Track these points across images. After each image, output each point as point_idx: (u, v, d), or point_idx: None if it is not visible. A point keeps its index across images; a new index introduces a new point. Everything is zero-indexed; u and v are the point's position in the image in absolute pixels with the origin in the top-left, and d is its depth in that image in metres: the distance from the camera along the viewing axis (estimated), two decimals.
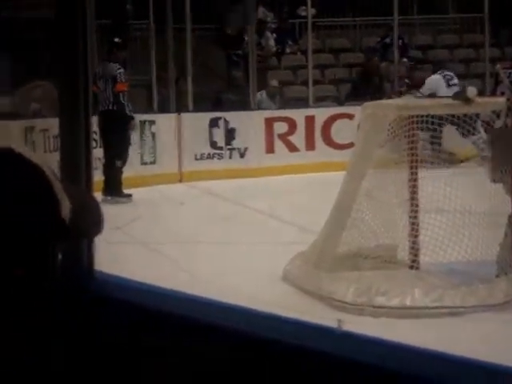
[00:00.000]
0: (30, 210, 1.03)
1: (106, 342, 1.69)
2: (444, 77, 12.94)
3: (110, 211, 9.40)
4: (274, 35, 15.58)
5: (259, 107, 13.17)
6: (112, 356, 1.66)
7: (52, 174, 1.06)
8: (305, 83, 14.14)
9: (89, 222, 1.17)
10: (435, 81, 12.91)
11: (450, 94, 12.25)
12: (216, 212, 9.61)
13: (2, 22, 11.96)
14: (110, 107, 10.30)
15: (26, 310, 1.05)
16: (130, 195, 10.27)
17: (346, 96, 14.40)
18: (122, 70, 10.47)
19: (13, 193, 1.02)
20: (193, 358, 1.53)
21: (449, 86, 12.80)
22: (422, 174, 6.42)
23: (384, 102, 7.73)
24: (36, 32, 12.06)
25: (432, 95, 12.62)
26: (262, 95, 13.45)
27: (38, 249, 1.03)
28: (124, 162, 10.33)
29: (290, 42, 15.64)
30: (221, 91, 14.07)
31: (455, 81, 12.94)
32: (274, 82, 13.81)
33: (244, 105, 13.35)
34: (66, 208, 1.06)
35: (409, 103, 7.10)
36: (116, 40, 11.05)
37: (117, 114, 10.26)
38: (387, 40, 14.85)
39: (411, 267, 6.28)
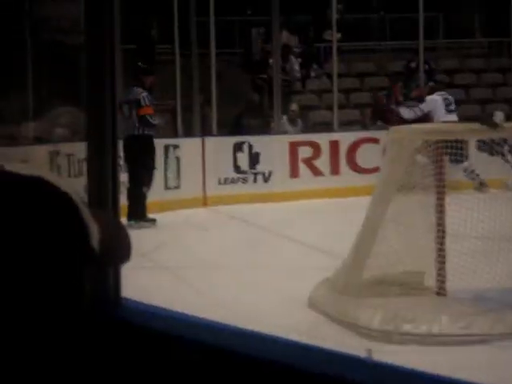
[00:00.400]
0: (59, 239, 1.02)
1: (129, 369, 1.67)
2: (444, 100, 12.90)
3: (134, 236, 9.39)
4: (300, 60, 15.62)
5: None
6: (136, 382, 1.64)
7: (81, 202, 1.05)
8: (329, 107, 14.14)
9: (118, 251, 1.16)
10: (435, 101, 12.92)
11: (447, 119, 12.32)
12: (240, 237, 9.59)
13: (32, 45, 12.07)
14: (135, 132, 10.34)
15: (56, 340, 1.03)
16: (154, 220, 10.28)
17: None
18: (145, 94, 10.50)
19: (41, 222, 1.01)
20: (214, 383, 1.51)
21: (447, 110, 12.75)
22: (449, 199, 6.36)
23: (410, 126, 7.69)
24: (64, 57, 12.19)
25: (428, 114, 12.67)
26: (282, 120, 13.47)
27: (68, 278, 1.02)
28: (149, 187, 10.36)
29: (315, 66, 15.67)
30: (242, 116, 14.09)
31: (453, 107, 12.89)
32: (294, 107, 13.82)
33: (265, 129, 13.38)
34: (94, 236, 1.05)
35: (435, 128, 7.05)
36: (141, 65, 11.11)
37: (141, 138, 10.30)
38: (412, 64, 14.84)
39: (438, 294, 6.21)
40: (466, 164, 11.76)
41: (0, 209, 0.99)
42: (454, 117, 12.61)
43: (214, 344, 1.56)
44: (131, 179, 10.26)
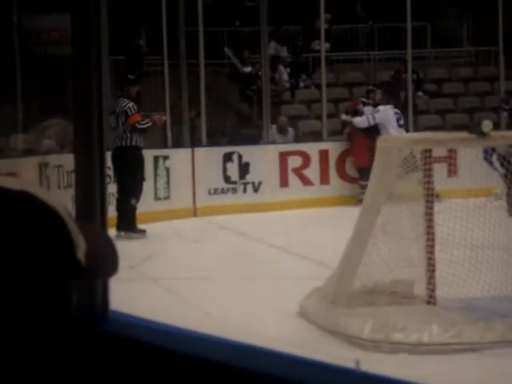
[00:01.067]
0: (44, 252, 1.02)
1: (117, 382, 1.66)
2: (395, 114, 12.78)
3: (123, 247, 9.38)
4: (288, 70, 15.64)
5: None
6: None
7: (67, 215, 1.06)
8: (319, 117, 14.16)
9: (105, 263, 1.16)
10: (389, 115, 12.65)
11: (398, 133, 12.09)
12: (230, 247, 9.58)
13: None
14: (123, 143, 10.32)
15: (43, 353, 1.03)
16: (143, 231, 10.26)
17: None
18: (131, 104, 10.49)
19: (27, 236, 1.02)
20: None
21: (398, 125, 12.63)
22: (439, 207, 6.37)
23: (399, 135, 7.71)
24: (51, 68, 12.18)
25: (379, 126, 12.39)
26: (271, 129, 13.46)
27: (54, 290, 1.02)
28: (138, 198, 10.34)
29: (303, 77, 15.70)
30: (232, 126, 14.10)
31: (402, 122, 12.80)
32: (283, 119, 13.80)
33: (255, 139, 13.38)
34: (81, 249, 1.06)
35: (424, 137, 7.07)
36: (129, 77, 11.11)
37: (130, 150, 10.28)
38: (403, 76, 14.84)
39: (428, 302, 6.22)
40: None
41: None
42: (403, 132, 12.46)
43: (205, 357, 1.55)
44: (120, 190, 10.25)
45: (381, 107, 12.79)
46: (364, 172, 12.05)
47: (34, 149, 11.20)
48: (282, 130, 13.58)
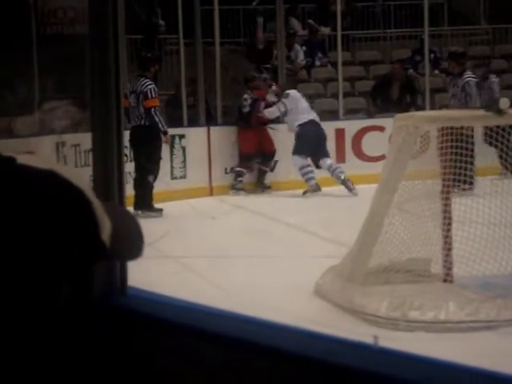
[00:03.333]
0: (70, 232, 1.01)
1: (135, 358, 1.68)
2: (302, 96, 12.28)
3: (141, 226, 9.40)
4: (304, 48, 15.58)
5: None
6: (141, 370, 1.65)
7: (93, 195, 1.05)
8: (335, 96, 14.11)
9: (130, 245, 1.15)
10: (297, 97, 12.09)
11: (311, 116, 11.63)
12: (246, 226, 9.60)
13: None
14: (142, 123, 10.34)
15: (64, 333, 1.04)
16: (160, 210, 10.29)
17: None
18: (152, 86, 10.49)
19: (53, 216, 1.01)
20: (222, 372, 1.52)
21: (310, 107, 12.11)
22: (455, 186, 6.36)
23: (416, 113, 7.68)
24: (67, 47, 12.18)
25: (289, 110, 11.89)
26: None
27: (78, 272, 1.03)
28: (155, 177, 10.36)
29: (319, 55, 15.63)
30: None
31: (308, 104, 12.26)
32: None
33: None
34: (106, 230, 1.05)
35: (440, 115, 7.04)
36: (148, 55, 11.10)
37: (148, 129, 10.30)
38: (417, 58, 14.75)
39: (445, 281, 6.22)
40: (328, 162, 11.75)
41: (13, 203, 1.00)
42: (314, 114, 12.16)
43: (222, 332, 1.56)
44: (137, 169, 10.27)
45: (290, 92, 12.26)
46: (245, 159, 11.90)
47: (44, 130, 11.23)
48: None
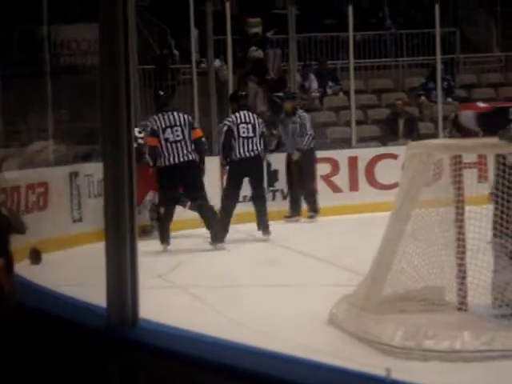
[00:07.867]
0: None
1: None
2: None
3: (153, 257, 9.40)
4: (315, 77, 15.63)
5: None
6: None
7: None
8: (347, 124, 14.13)
9: None
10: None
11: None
12: (259, 255, 9.57)
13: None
14: (191, 157, 10.07)
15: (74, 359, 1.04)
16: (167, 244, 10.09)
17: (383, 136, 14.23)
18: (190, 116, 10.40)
19: None
20: None
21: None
22: (468, 213, 6.32)
23: (429, 141, 7.66)
24: (80, 78, 12.26)
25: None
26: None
27: None
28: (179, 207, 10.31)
29: (330, 84, 15.67)
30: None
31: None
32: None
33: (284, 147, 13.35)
34: None
35: (453, 143, 7.03)
36: (161, 93, 10.82)
37: (196, 162, 10.10)
38: (431, 85, 14.78)
39: (459, 309, 6.17)
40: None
41: None
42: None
43: (234, 365, 1.55)
44: (203, 198, 10.16)
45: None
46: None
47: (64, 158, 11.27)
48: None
